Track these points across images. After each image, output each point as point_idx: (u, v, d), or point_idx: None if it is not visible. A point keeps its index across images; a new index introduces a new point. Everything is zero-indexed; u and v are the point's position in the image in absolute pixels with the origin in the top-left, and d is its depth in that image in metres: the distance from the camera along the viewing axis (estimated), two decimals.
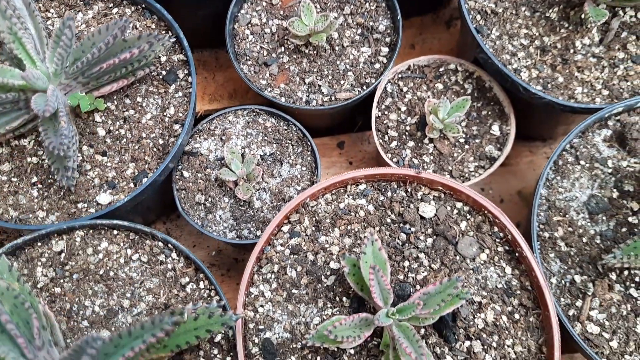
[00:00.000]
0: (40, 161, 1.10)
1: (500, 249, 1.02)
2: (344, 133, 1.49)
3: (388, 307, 0.89)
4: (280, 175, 1.18)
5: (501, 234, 1.02)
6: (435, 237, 1.03)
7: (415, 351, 0.83)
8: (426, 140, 1.22)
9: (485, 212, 1.03)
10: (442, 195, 1.06)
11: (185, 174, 1.17)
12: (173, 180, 1.16)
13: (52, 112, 0.91)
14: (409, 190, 1.06)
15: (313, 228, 1.04)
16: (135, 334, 0.76)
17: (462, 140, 1.22)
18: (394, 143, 1.22)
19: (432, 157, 1.21)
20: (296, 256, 1.02)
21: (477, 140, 1.22)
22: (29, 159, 1.10)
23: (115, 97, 1.15)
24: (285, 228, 1.04)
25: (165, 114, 1.13)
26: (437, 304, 0.87)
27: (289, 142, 1.20)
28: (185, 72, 1.17)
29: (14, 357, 0.73)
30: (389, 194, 1.06)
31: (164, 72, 1.17)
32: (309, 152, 1.20)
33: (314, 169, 1.18)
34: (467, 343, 0.95)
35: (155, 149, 1.11)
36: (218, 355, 0.97)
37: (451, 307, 0.90)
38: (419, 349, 0.84)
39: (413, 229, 1.03)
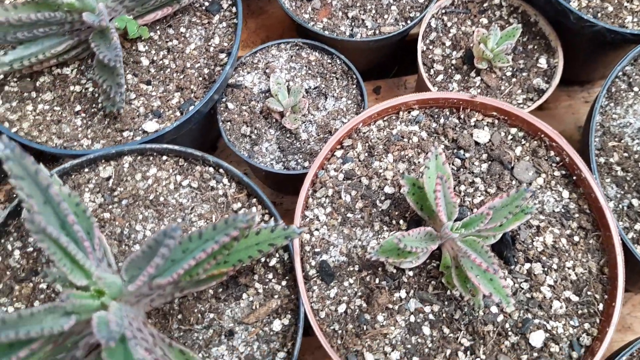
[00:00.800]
0: (83, 90, 1.07)
1: (557, 173, 1.00)
2: (380, 79, 1.47)
3: (452, 222, 0.87)
4: (325, 108, 1.16)
5: (557, 158, 1.00)
6: (490, 162, 1.01)
7: (486, 261, 0.82)
8: (473, 74, 1.20)
9: (542, 136, 1.01)
10: (496, 121, 1.04)
11: (230, 105, 1.15)
12: (218, 112, 1.14)
13: (104, 27, 0.89)
14: (462, 116, 1.04)
15: (366, 154, 1.02)
16: (206, 235, 0.74)
17: (509, 74, 1.20)
18: (440, 77, 1.20)
19: (479, 91, 1.19)
20: (350, 181, 1.00)
21: (524, 74, 1.20)
22: (71, 88, 1.07)
23: (158, 28, 1.12)
24: (339, 153, 1.02)
25: (209, 43, 1.11)
26: (504, 216, 0.86)
27: (333, 75, 1.18)
28: (230, 2, 1.14)
29: (81, 258, 0.71)
30: (442, 120, 1.04)
31: (206, 3, 1.15)
32: (355, 86, 1.18)
33: (360, 102, 1.16)
34: (527, 265, 0.94)
35: (200, 78, 1.09)
36: (273, 280, 0.95)
37: (516, 223, 0.89)
38: (488, 259, 0.83)
39: (467, 155, 1.01)
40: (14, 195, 1.30)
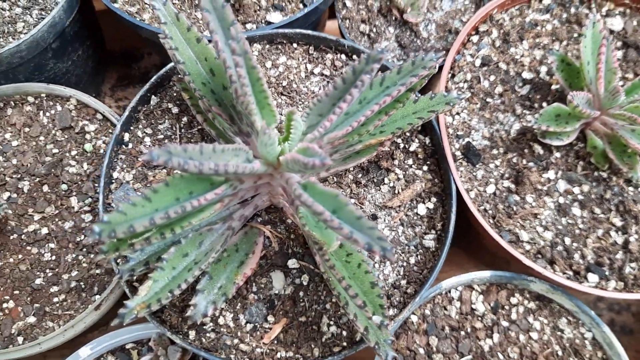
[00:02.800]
0: None
1: None
2: None
3: (607, 93, 0.85)
4: (442, 9, 1.13)
5: None
6: (625, 49, 0.99)
7: None
8: None
9: None
10: (628, 10, 1.02)
11: (348, 3, 1.12)
12: (336, 10, 1.11)
13: None
14: (593, 6, 1.02)
15: (501, 40, 0.99)
16: (388, 81, 0.71)
17: None
18: None
19: None
20: (487, 67, 0.98)
21: None
22: None
23: None
24: (474, 39, 1.00)
25: None
26: None
27: None
28: None
29: (269, 96, 0.68)
30: (572, 10, 1.02)
31: None
32: None
33: (478, 1, 1.13)
34: None
35: None
36: (413, 165, 0.92)
37: None
38: None
39: None
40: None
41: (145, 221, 0.62)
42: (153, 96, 0.94)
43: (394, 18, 1.10)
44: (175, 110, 0.94)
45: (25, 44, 1.00)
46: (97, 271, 0.99)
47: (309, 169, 0.62)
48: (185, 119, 0.94)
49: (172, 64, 0.94)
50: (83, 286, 0.98)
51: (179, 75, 0.94)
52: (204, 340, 0.82)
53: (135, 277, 0.84)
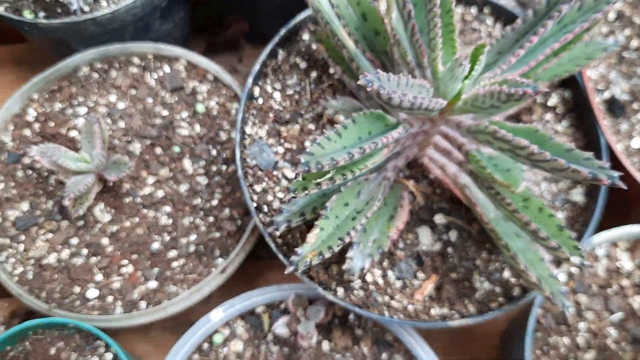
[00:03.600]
0: None
1: None
2: None
3: None
4: None
5: None
6: None
7: None
8: None
9: None
10: None
11: None
12: None
13: None
14: None
15: None
16: (566, 19, 0.68)
17: None
18: None
19: None
20: (620, 21, 0.95)
21: None
22: None
23: None
24: None
25: None
26: None
27: None
28: None
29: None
30: None
31: None
32: None
33: None
34: None
35: None
36: (550, 121, 0.89)
37: None
38: None
39: None
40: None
41: (344, 154, 0.59)
42: (280, 50, 0.91)
43: None
44: (303, 65, 0.91)
45: (141, 0, 0.97)
46: (217, 234, 0.96)
47: (511, 101, 0.59)
48: (314, 74, 0.91)
49: (300, 17, 0.91)
50: (203, 250, 0.94)
51: (316, 26, 0.91)
52: (352, 297, 0.78)
53: (279, 233, 0.80)
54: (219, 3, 1.31)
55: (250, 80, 0.87)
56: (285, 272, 0.68)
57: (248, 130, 0.87)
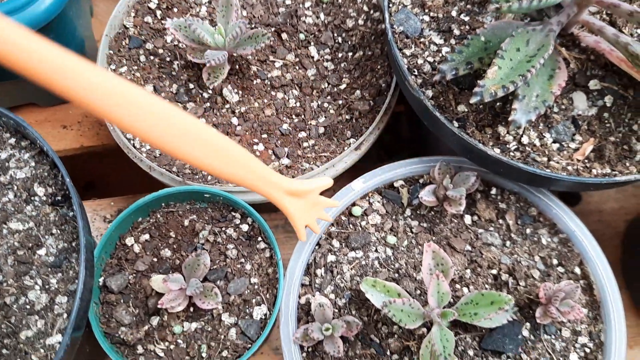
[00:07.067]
0: None
1: None
2: None
3: None
4: None
5: None
6: None
7: None
8: None
9: None
10: None
11: None
12: None
13: None
14: None
15: None
16: None
17: None
18: None
19: None
20: None
21: None
22: None
23: None
24: None
25: None
26: None
27: None
28: None
29: None
30: None
31: None
32: None
33: None
34: None
35: None
36: None
37: None
38: None
39: None
40: None
41: None
42: None
43: None
44: None
45: None
46: (347, 116, 0.94)
47: None
48: None
49: None
50: (333, 132, 0.93)
51: None
52: (511, 156, 0.77)
53: (431, 94, 0.79)
54: None
55: None
56: (471, 101, 0.66)
57: None
